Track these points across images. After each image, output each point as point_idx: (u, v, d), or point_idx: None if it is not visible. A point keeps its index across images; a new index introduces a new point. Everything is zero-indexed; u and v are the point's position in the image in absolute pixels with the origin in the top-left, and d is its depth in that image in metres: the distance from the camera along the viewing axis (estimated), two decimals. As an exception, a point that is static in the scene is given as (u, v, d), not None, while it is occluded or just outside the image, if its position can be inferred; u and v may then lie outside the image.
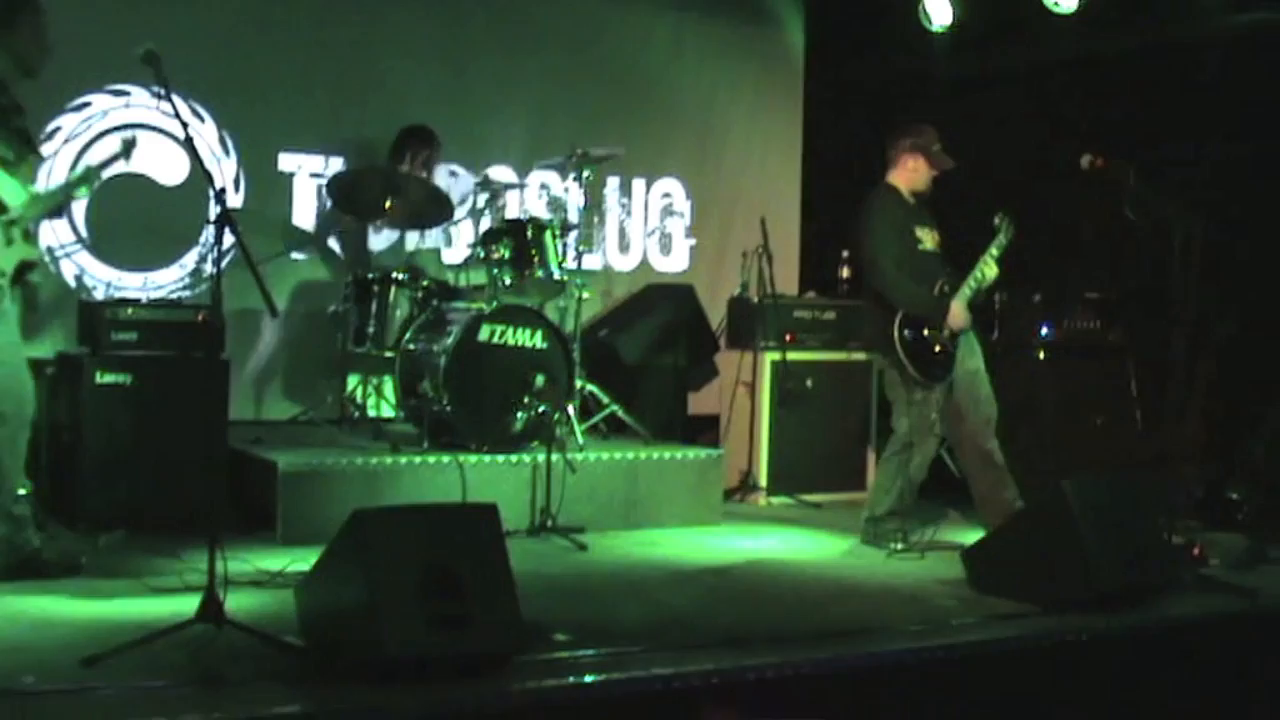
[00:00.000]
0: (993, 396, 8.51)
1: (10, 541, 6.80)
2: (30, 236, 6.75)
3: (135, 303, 8.55)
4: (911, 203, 8.53)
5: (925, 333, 8.30)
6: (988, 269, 8.46)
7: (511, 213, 10.69)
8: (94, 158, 7.25)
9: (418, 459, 8.41)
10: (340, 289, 9.62)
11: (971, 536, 7.84)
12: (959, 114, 10.87)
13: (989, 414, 8.48)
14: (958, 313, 8.32)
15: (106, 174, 7.19)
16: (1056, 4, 10.35)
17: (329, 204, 10.06)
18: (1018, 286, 9.52)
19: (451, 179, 10.29)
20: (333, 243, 10.27)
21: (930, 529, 8.48)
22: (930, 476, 8.73)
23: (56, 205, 7.04)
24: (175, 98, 6.25)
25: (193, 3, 9.62)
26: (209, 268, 9.71)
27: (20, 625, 5.97)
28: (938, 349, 8.32)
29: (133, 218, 9.40)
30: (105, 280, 9.57)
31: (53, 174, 9.10)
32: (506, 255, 9.02)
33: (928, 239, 8.51)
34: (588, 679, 5.51)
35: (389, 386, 9.64)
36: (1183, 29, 9.99)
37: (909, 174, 8.53)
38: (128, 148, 7.12)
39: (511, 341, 8.74)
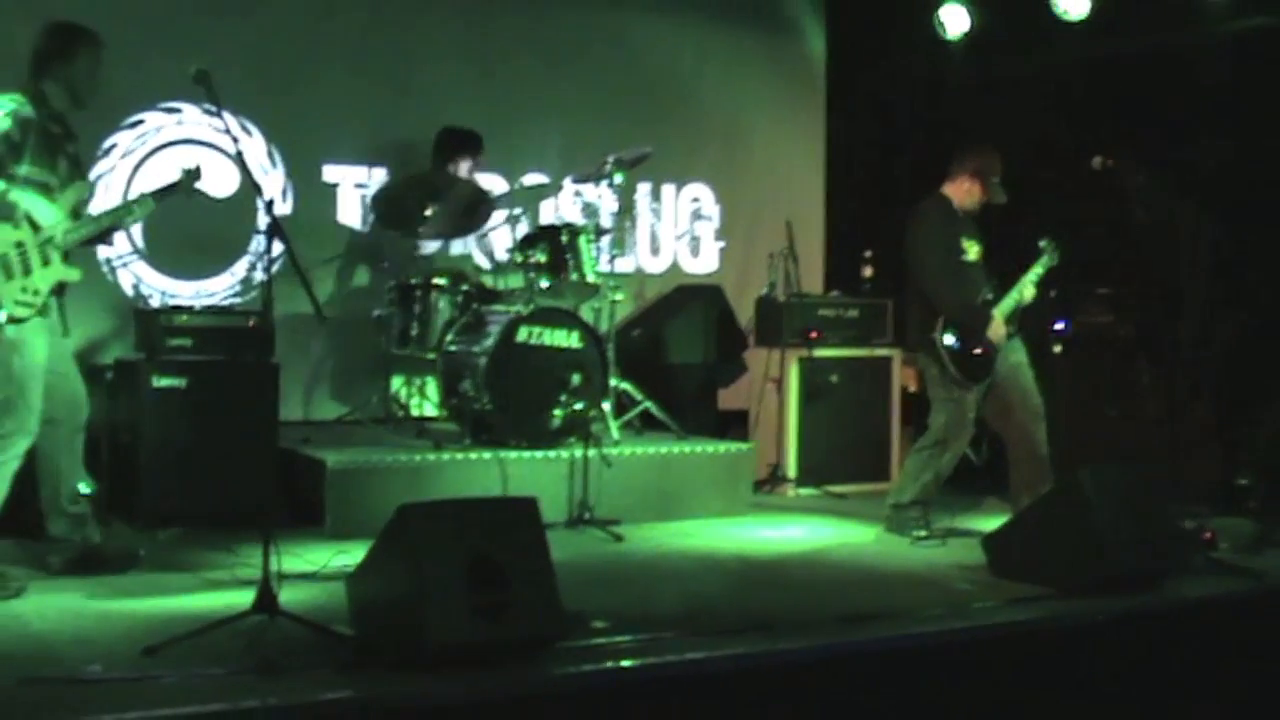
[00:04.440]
0: (1036, 390, 8.53)
1: (69, 539, 6.88)
2: (69, 259, 6.76)
3: (189, 310, 8.56)
4: (960, 215, 8.55)
5: (966, 335, 8.32)
6: (1027, 288, 8.49)
7: (547, 219, 10.77)
8: (150, 185, 7.24)
9: (460, 455, 8.46)
10: (384, 294, 9.66)
11: (993, 524, 7.84)
12: (974, 118, 10.91)
13: (1036, 406, 8.48)
14: (997, 324, 8.33)
15: (164, 201, 7.19)
16: (1066, 11, 10.36)
17: (373, 218, 10.12)
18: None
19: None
20: (377, 249, 10.32)
21: (949, 517, 8.49)
22: (966, 467, 8.76)
23: (105, 228, 7.04)
24: (225, 114, 6.30)
25: (240, 24, 9.67)
26: (259, 275, 9.78)
27: (84, 618, 6.03)
28: (978, 351, 8.33)
29: (186, 229, 9.43)
30: (160, 289, 9.62)
31: (110, 188, 9.19)
32: (543, 260, 9.07)
33: (972, 250, 8.52)
34: (625, 664, 5.55)
35: (431, 387, 9.69)
36: (1188, 34, 9.98)
37: (963, 192, 8.54)
38: (190, 178, 7.13)
39: (548, 342, 8.78)
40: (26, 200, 6.50)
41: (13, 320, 6.45)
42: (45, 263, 6.60)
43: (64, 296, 6.86)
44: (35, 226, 6.54)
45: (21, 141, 6.54)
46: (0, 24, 8.56)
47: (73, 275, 6.81)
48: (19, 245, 6.48)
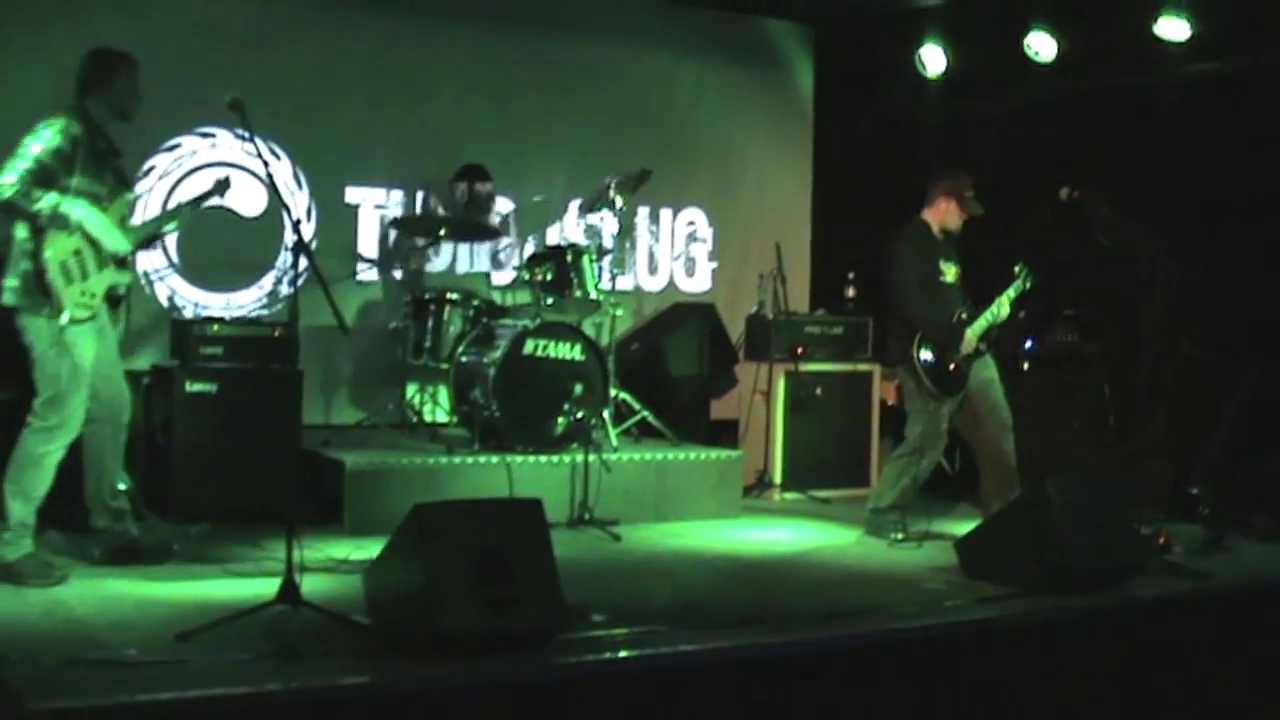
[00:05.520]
0: (1006, 403, 8.54)
1: (111, 532, 6.93)
2: (124, 264, 6.84)
3: (220, 320, 8.64)
4: (939, 238, 8.54)
5: (941, 352, 8.34)
6: (1001, 309, 8.50)
7: (552, 239, 10.82)
8: (186, 194, 7.30)
9: (470, 459, 8.48)
10: (400, 307, 9.71)
11: (965, 528, 7.85)
12: (951, 150, 10.94)
13: (1004, 419, 8.50)
14: (970, 342, 8.36)
15: (198, 209, 7.26)
16: (1037, 53, 10.39)
17: (392, 234, 10.17)
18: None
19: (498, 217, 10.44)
20: (394, 266, 10.37)
21: (924, 521, 8.52)
22: (940, 475, 8.78)
23: (148, 236, 7.16)
24: (256, 139, 6.34)
25: (271, 57, 9.73)
26: (285, 289, 9.81)
27: (123, 605, 6.07)
28: (952, 367, 8.34)
29: (218, 245, 9.50)
30: (194, 301, 9.67)
31: (149, 207, 9.23)
32: (548, 277, 9.11)
33: (949, 272, 8.53)
34: (621, 654, 5.57)
35: (444, 395, 9.70)
36: (1148, 76, 10.01)
37: (941, 213, 8.54)
38: (220, 187, 7.21)
39: (553, 354, 8.81)
40: (79, 209, 6.54)
41: (74, 321, 6.53)
42: (100, 268, 6.67)
43: (124, 300, 7.00)
44: (87, 235, 6.60)
45: (72, 155, 6.57)
46: (58, 58, 8.69)
47: (124, 279, 6.89)
48: (77, 252, 6.55)
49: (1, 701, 4.39)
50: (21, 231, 6.51)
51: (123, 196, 6.91)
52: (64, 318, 6.49)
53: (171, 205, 7.25)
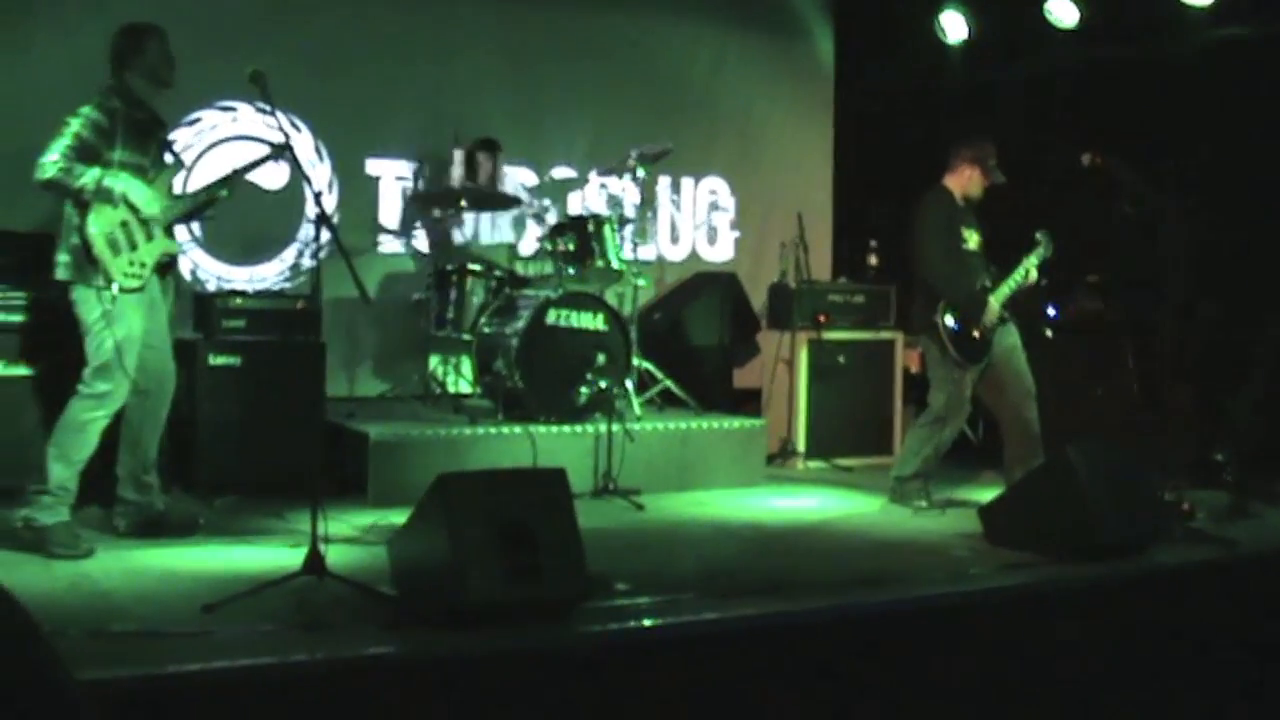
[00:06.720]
0: (1029, 371, 8.53)
1: (139, 505, 6.96)
2: (170, 232, 6.91)
3: (243, 293, 8.62)
4: (961, 205, 8.53)
5: (965, 319, 8.33)
6: (1022, 276, 8.45)
7: (574, 209, 10.81)
8: (240, 161, 7.28)
9: (493, 430, 8.49)
10: (423, 279, 9.72)
11: (988, 495, 7.85)
12: (972, 116, 10.91)
13: (1028, 386, 8.47)
14: (993, 309, 8.34)
15: (251, 176, 7.27)
16: (1058, 19, 10.36)
17: (412, 206, 10.18)
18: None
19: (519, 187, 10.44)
20: (416, 238, 10.37)
21: (948, 488, 8.52)
22: (963, 442, 8.80)
23: (201, 203, 7.17)
24: (278, 113, 6.34)
25: (291, 29, 9.72)
26: (307, 261, 9.83)
27: (149, 577, 6.10)
28: (976, 334, 8.32)
29: (240, 219, 9.47)
30: (216, 274, 9.69)
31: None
32: (571, 247, 9.11)
33: (972, 239, 8.51)
34: (645, 623, 5.59)
35: (467, 365, 9.70)
36: (1171, 42, 9.96)
37: (964, 181, 8.52)
38: (278, 151, 7.14)
39: (576, 324, 8.81)
40: (122, 183, 6.60)
41: (124, 290, 6.59)
42: (149, 238, 6.73)
43: (172, 270, 7.09)
44: (132, 207, 6.65)
45: (112, 129, 6.65)
46: (77, 34, 8.70)
47: (174, 248, 6.99)
48: (124, 224, 6.63)
49: (29, 673, 4.41)
50: (70, 208, 6.59)
51: (169, 167, 7.02)
52: (114, 288, 6.56)
53: (225, 172, 7.21)
